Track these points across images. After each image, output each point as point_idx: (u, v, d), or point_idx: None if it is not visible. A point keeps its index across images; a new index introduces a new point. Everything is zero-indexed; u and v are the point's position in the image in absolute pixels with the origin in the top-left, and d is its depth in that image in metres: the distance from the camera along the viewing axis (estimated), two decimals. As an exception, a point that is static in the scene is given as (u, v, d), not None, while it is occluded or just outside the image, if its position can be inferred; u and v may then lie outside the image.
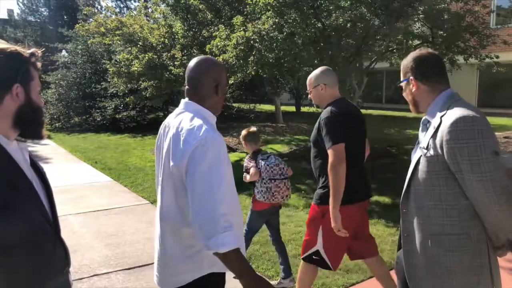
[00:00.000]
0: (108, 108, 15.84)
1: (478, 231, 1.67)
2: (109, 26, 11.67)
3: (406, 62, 1.86)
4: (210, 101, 1.80)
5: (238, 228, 1.70)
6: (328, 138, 2.62)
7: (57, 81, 17.37)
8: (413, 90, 1.83)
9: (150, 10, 13.05)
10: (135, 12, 14.77)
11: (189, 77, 1.81)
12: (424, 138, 1.76)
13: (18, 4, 33.28)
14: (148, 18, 12.91)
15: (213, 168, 1.57)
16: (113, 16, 12.65)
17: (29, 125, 1.33)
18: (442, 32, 8.53)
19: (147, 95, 11.81)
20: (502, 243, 1.70)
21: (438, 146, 1.64)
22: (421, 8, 7.84)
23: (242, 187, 4.64)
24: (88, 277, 3.79)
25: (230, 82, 9.71)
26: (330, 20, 7.80)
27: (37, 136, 1.38)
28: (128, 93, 13.59)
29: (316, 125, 2.78)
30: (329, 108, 2.74)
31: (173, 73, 10.57)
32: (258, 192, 3.48)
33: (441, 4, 8.17)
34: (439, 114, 1.70)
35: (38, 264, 1.29)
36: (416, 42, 8.84)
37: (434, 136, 1.67)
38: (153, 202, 6.16)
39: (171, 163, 1.65)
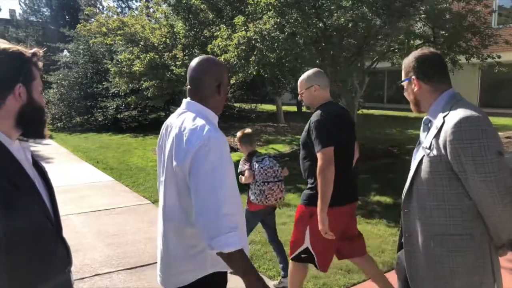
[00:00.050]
0: (110, 108, 15.87)
1: (481, 231, 1.66)
2: (110, 26, 11.70)
3: (408, 61, 1.85)
4: (212, 101, 1.79)
5: (241, 228, 1.70)
6: (317, 141, 2.64)
7: (58, 81, 17.42)
8: (415, 89, 1.82)
9: (151, 10, 13.08)
10: (136, 12, 14.80)
11: (191, 77, 1.81)
12: (426, 138, 1.75)
13: (20, 4, 33.32)
14: (149, 18, 12.94)
15: (216, 168, 1.57)
16: (115, 16, 12.69)
17: (31, 124, 1.34)
18: (443, 32, 8.51)
19: (149, 95, 11.84)
20: (503, 243, 1.70)
21: (441, 146, 1.63)
22: (423, 8, 7.83)
23: (240, 187, 4.62)
24: (89, 276, 3.80)
25: (232, 82, 9.71)
26: (332, 20, 7.80)
27: (39, 135, 1.38)
28: (130, 93, 13.63)
29: (306, 127, 2.80)
30: (319, 111, 2.75)
31: (174, 73, 10.60)
32: (252, 194, 3.49)
33: (443, 4, 8.15)
34: (441, 114, 1.69)
35: (39, 263, 1.29)
36: (418, 42, 8.81)
37: (437, 136, 1.66)
38: (155, 202, 6.16)
39: (174, 163, 1.65)
